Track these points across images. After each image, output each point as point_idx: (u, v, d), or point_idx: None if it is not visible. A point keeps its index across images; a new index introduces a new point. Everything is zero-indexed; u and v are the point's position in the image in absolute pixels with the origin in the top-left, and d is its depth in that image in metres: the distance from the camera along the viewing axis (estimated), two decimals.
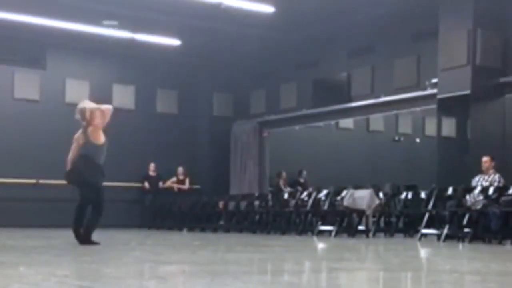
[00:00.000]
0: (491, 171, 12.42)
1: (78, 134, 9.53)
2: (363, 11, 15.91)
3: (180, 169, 19.42)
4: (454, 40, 14.02)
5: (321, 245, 11.10)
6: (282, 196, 16.14)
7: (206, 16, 16.10)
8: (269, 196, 16.73)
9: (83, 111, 9.46)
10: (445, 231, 12.12)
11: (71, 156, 9.53)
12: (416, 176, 18.30)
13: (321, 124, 19.54)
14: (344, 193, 14.09)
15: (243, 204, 16.87)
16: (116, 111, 19.12)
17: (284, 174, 18.99)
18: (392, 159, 21.21)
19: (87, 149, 9.40)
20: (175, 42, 18.23)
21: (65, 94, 18.76)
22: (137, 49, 18.56)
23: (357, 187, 14.41)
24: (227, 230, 16.60)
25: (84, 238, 9.14)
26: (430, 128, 19.31)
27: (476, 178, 12.50)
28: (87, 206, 9.45)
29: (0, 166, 17.43)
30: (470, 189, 12.20)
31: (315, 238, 13.59)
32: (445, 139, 14.75)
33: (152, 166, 19.24)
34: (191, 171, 19.74)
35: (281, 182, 18.77)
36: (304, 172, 19.17)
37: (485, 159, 12.48)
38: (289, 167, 19.26)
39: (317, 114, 18.09)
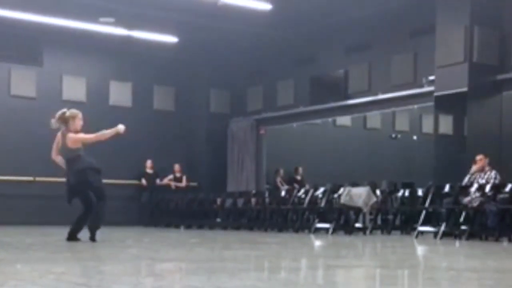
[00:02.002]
0: (487, 168, 12.42)
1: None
2: (360, 8, 15.91)
3: (177, 166, 19.41)
4: (451, 37, 14.02)
5: (318, 243, 11.10)
6: (279, 193, 16.14)
7: (203, 13, 16.09)
8: (266, 194, 16.74)
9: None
10: (442, 228, 12.13)
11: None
12: (413, 174, 18.34)
13: (318, 121, 19.54)
14: (341, 190, 14.09)
15: (240, 201, 16.87)
16: (113, 108, 19.37)
17: (281, 171, 18.99)
18: (389, 157, 21.22)
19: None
20: (172, 39, 18.21)
21: (61, 91, 18.74)
22: (134, 46, 18.54)
23: (354, 184, 14.42)
24: (224, 227, 16.60)
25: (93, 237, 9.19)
26: (427, 126, 19.32)
27: (468, 176, 12.50)
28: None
29: None
30: (467, 187, 12.21)
31: (312, 235, 13.59)
32: (442, 136, 14.75)
33: (149, 163, 19.23)
34: (188, 168, 19.73)
35: (279, 180, 18.76)
36: (300, 169, 19.18)
37: (479, 157, 12.45)
38: (286, 164, 19.26)
39: (314, 111, 18.09)
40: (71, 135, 9.32)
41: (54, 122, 9.36)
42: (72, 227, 9.47)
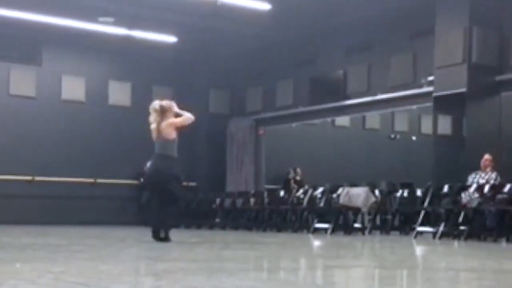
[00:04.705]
0: (489, 168, 12.41)
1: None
2: (359, 9, 15.91)
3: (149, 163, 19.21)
4: (450, 38, 14.03)
5: (317, 243, 11.11)
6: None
7: (202, 13, 16.09)
8: (265, 194, 16.76)
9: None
10: (441, 228, 12.13)
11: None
12: (412, 174, 18.34)
13: (317, 121, 19.55)
14: (340, 190, 14.11)
15: (239, 202, 16.88)
16: (112, 108, 19.38)
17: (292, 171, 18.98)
18: (388, 157, 21.23)
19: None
20: (171, 39, 18.21)
21: (61, 91, 18.75)
22: (133, 46, 18.53)
23: (353, 184, 14.43)
24: (223, 227, 16.60)
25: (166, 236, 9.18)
26: (426, 126, 19.33)
27: (472, 175, 12.50)
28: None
29: None
30: (466, 187, 12.21)
31: (311, 235, 13.60)
32: (441, 137, 14.76)
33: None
34: (187, 168, 19.70)
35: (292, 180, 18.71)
36: (299, 170, 19.16)
37: (486, 157, 12.44)
38: (285, 164, 19.26)
39: (313, 111, 18.09)
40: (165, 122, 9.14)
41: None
42: (154, 225, 9.29)
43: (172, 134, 9.25)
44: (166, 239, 9.10)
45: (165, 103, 9.38)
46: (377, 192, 14.45)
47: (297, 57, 18.50)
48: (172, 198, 9.28)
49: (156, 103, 9.31)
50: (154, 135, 9.33)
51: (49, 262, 6.10)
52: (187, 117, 9.51)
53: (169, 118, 9.27)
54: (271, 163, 19.62)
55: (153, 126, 9.31)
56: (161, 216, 9.28)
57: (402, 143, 22.12)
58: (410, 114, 21.45)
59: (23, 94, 18.27)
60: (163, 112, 9.25)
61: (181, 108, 9.65)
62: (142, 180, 19.12)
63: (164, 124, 9.19)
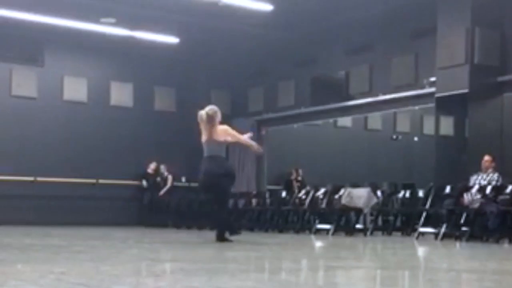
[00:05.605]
0: (490, 169, 12.40)
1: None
2: (361, 9, 15.92)
3: (153, 165, 19.28)
4: (452, 39, 14.02)
5: (318, 244, 11.10)
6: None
7: (204, 13, 16.09)
8: (267, 194, 16.75)
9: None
10: (443, 229, 12.12)
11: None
12: (414, 175, 18.37)
13: (319, 122, 19.54)
14: (341, 191, 14.10)
15: (241, 202, 16.87)
16: (114, 108, 19.38)
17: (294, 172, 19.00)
18: (390, 158, 21.22)
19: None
20: (173, 39, 18.21)
21: (62, 92, 18.77)
22: (135, 46, 18.54)
23: (355, 185, 14.42)
24: None
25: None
26: (428, 127, 19.32)
27: (474, 176, 12.49)
28: None
29: None
30: (468, 188, 12.19)
31: (312, 236, 13.59)
32: (443, 137, 14.75)
33: (153, 165, 19.22)
34: (189, 169, 19.70)
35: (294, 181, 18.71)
36: (300, 171, 19.15)
37: (486, 158, 12.44)
38: (286, 165, 19.26)
39: (315, 112, 18.08)
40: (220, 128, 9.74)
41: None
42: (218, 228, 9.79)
43: (221, 138, 9.93)
44: (228, 238, 9.63)
45: (209, 109, 10.06)
46: (379, 193, 14.45)
47: (298, 57, 18.50)
48: (222, 200, 9.92)
49: (202, 113, 10.00)
50: (203, 138, 9.95)
51: (50, 263, 6.10)
52: (244, 140, 10.25)
53: (217, 122, 9.97)
54: (273, 164, 19.61)
55: (203, 132, 9.94)
56: (218, 217, 9.92)
57: (404, 144, 22.11)
58: (412, 115, 21.44)
59: (25, 95, 18.28)
60: (211, 118, 9.95)
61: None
62: (144, 181, 19.21)
63: (219, 129, 9.90)
